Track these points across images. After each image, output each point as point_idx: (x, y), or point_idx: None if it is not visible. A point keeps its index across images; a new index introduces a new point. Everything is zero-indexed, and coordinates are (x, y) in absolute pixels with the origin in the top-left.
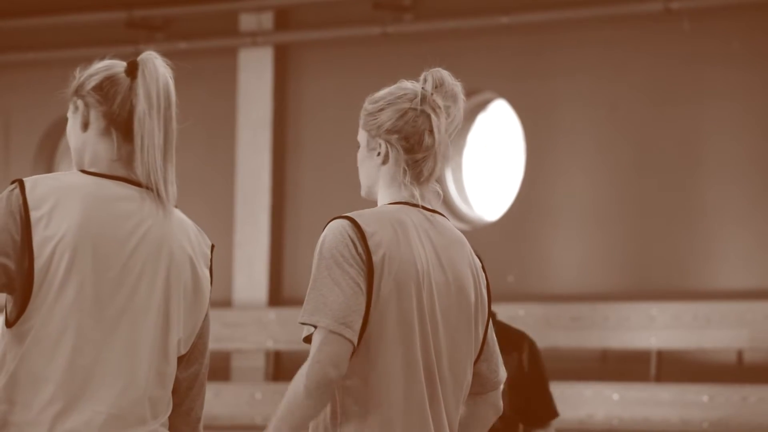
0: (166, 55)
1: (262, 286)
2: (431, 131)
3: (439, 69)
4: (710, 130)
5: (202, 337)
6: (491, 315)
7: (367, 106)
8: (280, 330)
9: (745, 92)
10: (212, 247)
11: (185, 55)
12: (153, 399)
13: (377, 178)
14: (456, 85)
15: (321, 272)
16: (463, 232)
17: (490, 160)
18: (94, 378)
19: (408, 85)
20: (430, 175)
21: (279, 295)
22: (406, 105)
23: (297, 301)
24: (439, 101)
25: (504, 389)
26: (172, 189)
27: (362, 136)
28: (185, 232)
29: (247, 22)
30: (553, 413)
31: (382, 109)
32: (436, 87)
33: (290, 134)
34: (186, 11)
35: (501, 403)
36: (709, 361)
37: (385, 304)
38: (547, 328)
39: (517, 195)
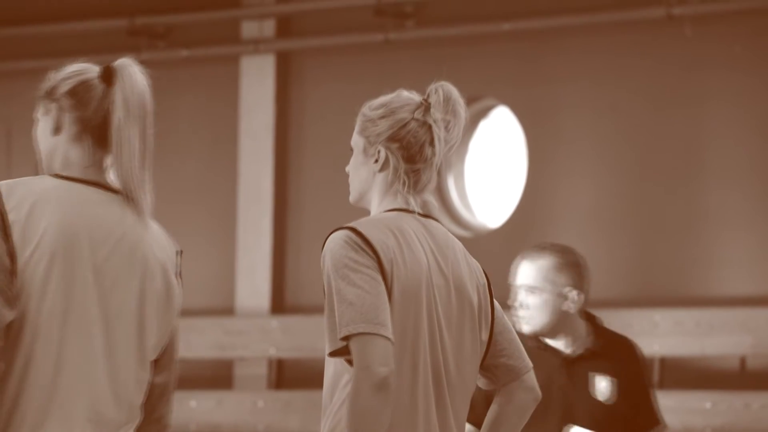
0: (168, 62)
1: (265, 293)
2: (432, 143)
3: (448, 84)
4: (713, 135)
5: (173, 343)
6: (593, 319)
7: (367, 112)
8: (282, 338)
9: (747, 97)
10: (180, 252)
11: (187, 63)
12: (132, 405)
13: (372, 185)
14: (460, 103)
15: (338, 283)
16: (465, 239)
17: (492, 167)
18: (73, 384)
19: (408, 94)
20: (427, 185)
21: (282, 302)
22: (408, 115)
23: (300, 309)
24: (440, 114)
25: (617, 398)
26: (149, 198)
27: (358, 142)
28: (157, 238)
29: (249, 29)
30: (657, 421)
31: (383, 117)
32: (444, 101)
33: (292, 141)
34: (188, 19)
35: (537, 387)
36: (711, 368)
37: (395, 308)
38: None
39: (520, 202)
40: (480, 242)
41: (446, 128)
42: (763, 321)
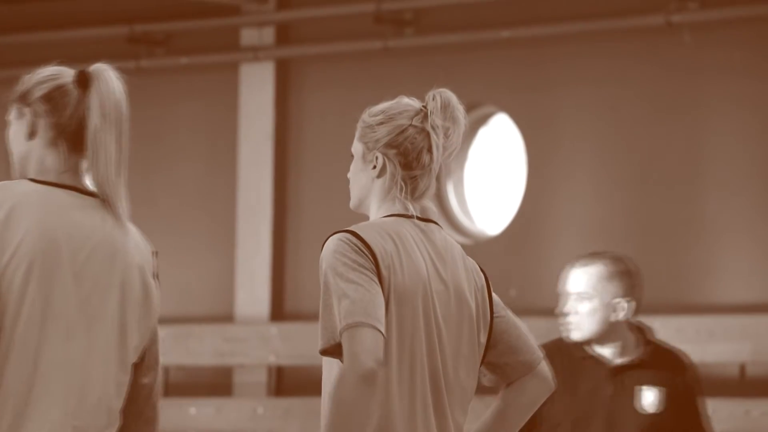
0: (167, 70)
1: (264, 300)
2: (430, 150)
3: (447, 90)
4: (713, 142)
5: (155, 344)
6: (643, 329)
7: (366, 118)
8: (282, 345)
9: (747, 103)
10: (155, 253)
11: (186, 70)
12: (112, 409)
13: (370, 191)
14: (459, 109)
15: (336, 281)
16: (464, 246)
17: (492, 174)
18: (51, 390)
19: (408, 101)
20: (425, 192)
21: (281, 309)
22: (407, 121)
23: (299, 316)
24: (439, 121)
25: (664, 410)
26: (125, 204)
27: (358, 148)
28: (134, 240)
29: (249, 36)
30: None
31: (381, 123)
32: (442, 107)
33: (291, 148)
34: (187, 26)
35: (551, 377)
36: (711, 375)
37: (391, 314)
38: None
39: (519, 209)
40: (479, 249)
41: (445, 135)
42: (763, 328)
